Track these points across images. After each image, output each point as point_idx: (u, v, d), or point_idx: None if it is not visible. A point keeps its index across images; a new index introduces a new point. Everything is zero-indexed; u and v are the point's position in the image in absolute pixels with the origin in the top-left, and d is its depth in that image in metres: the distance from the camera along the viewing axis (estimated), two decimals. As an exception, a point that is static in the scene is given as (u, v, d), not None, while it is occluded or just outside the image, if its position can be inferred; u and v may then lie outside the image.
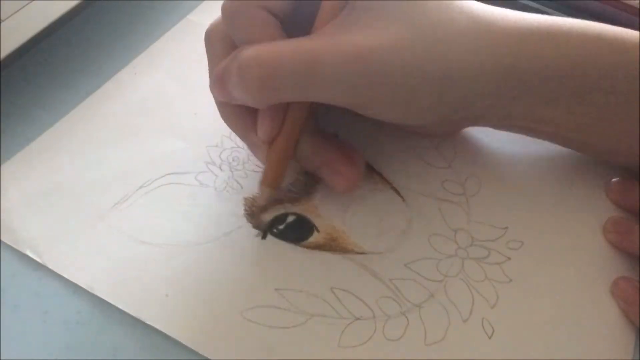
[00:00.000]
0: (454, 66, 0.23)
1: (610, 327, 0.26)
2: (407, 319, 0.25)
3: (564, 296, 0.27)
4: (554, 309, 0.26)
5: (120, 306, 0.25)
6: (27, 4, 0.31)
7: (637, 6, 0.33)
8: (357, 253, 0.27)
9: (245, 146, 0.30)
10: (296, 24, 0.25)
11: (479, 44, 0.23)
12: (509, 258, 0.28)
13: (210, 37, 0.26)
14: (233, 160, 0.30)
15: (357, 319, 0.25)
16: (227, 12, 0.24)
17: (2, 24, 0.30)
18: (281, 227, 0.28)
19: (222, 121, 0.31)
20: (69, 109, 0.31)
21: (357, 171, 0.27)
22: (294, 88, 0.23)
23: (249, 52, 0.23)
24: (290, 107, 0.25)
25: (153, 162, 0.29)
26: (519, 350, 0.25)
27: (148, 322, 0.24)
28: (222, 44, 0.25)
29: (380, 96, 0.23)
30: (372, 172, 0.30)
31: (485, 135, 0.31)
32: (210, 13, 0.36)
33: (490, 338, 0.25)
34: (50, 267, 0.26)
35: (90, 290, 0.25)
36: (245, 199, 0.29)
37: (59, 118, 0.31)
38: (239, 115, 0.26)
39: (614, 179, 0.29)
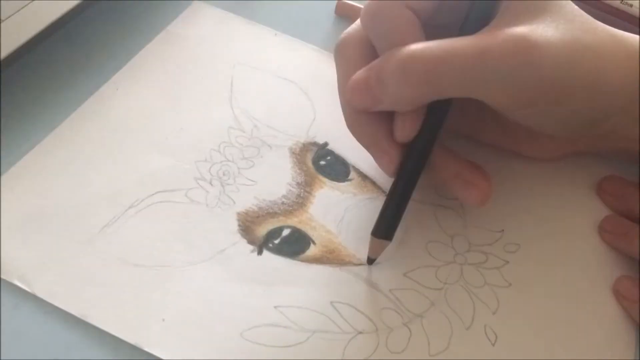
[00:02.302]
0: (601, 74, 0.24)
1: (610, 327, 0.26)
2: (410, 330, 0.25)
3: (563, 298, 0.27)
4: (554, 311, 0.26)
5: (116, 334, 0.24)
6: (27, 4, 0.30)
7: (637, 15, 0.33)
8: (355, 264, 0.27)
9: (235, 160, 0.30)
10: (435, 27, 0.26)
11: (620, 56, 0.24)
12: (507, 262, 0.28)
13: (345, 45, 0.26)
14: (224, 174, 0.29)
15: (360, 332, 0.25)
16: (372, 11, 0.25)
17: (2, 24, 0.29)
18: (277, 241, 0.27)
19: (210, 135, 0.30)
20: (69, 109, 0.31)
21: (489, 184, 0.27)
22: (460, 82, 0.23)
23: (414, 47, 0.23)
24: (431, 108, 0.25)
25: (141, 180, 0.28)
26: (522, 354, 0.25)
27: (146, 349, 0.24)
28: (358, 51, 0.26)
29: (539, 95, 0.23)
30: (365, 180, 0.30)
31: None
32: (191, 24, 0.35)
33: (493, 345, 0.25)
34: (40, 296, 0.25)
35: (83, 319, 0.24)
36: (239, 213, 0.28)
37: (59, 119, 0.30)
38: (373, 121, 0.26)
39: (603, 177, 0.30)
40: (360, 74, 0.25)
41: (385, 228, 0.26)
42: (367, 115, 0.26)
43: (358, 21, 0.26)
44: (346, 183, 0.30)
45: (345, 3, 0.37)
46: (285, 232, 0.28)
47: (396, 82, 0.24)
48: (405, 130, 0.25)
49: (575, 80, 0.23)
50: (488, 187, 0.26)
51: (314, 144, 0.31)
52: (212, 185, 0.29)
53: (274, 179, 0.29)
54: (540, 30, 0.23)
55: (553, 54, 0.23)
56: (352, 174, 0.30)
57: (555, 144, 0.29)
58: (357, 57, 0.26)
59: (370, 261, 0.27)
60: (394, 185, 0.26)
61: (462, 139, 0.30)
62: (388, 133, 0.26)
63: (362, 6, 0.35)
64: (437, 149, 0.27)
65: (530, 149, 0.30)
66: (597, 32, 0.24)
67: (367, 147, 0.27)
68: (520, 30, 0.23)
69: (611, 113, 0.25)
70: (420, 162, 0.26)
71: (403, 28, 0.24)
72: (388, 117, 0.26)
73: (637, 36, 0.25)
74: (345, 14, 0.37)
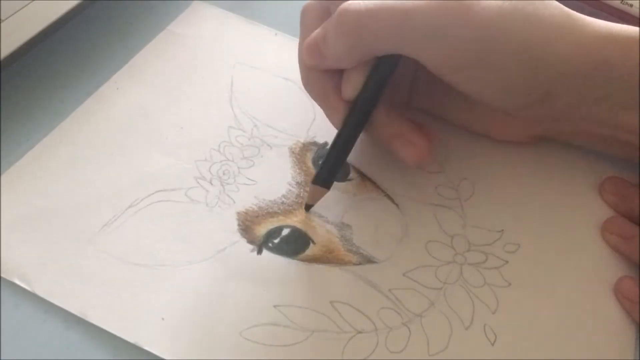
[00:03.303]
0: (548, 47, 0.24)
1: (610, 327, 0.26)
2: (409, 330, 0.25)
3: (563, 298, 0.27)
4: (554, 311, 0.26)
5: (115, 333, 0.24)
6: (27, 4, 0.30)
7: (637, 15, 0.33)
8: (354, 264, 0.27)
9: (235, 159, 0.30)
10: None
11: (572, 35, 0.24)
12: (507, 261, 0.27)
13: (306, 11, 0.28)
14: (223, 173, 0.29)
15: (359, 332, 0.25)
16: None
17: (2, 24, 0.29)
18: (276, 240, 0.27)
19: (210, 134, 0.30)
20: (69, 109, 0.31)
21: (428, 144, 0.27)
22: (387, 36, 0.24)
23: (350, 2, 0.25)
24: (375, 68, 0.26)
25: (141, 180, 0.28)
26: (522, 354, 0.25)
27: (145, 348, 0.24)
28: (317, 17, 0.28)
29: (470, 57, 0.24)
30: (365, 180, 0.30)
31: (475, 139, 0.31)
32: (191, 23, 0.35)
33: (493, 344, 0.25)
34: (40, 294, 0.25)
35: (83, 318, 0.24)
36: (239, 213, 0.28)
37: (59, 118, 0.30)
38: (323, 79, 0.28)
39: (606, 178, 0.30)
40: (312, 34, 0.27)
41: (324, 177, 0.27)
42: (319, 73, 0.28)
43: None
44: (346, 183, 0.30)
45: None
46: (285, 231, 0.28)
47: (333, 35, 0.25)
48: (349, 87, 0.27)
49: (506, 45, 0.24)
50: (426, 147, 0.27)
51: (314, 143, 0.31)
52: (212, 184, 0.29)
53: (274, 179, 0.29)
54: None
55: (483, 15, 0.23)
56: (352, 174, 0.30)
57: (522, 126, 0.30)
58: (315, 22, 0.27)
59: (308, 207, 0.28)
60: (336, 138, 0.27)
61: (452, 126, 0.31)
62: (337, 90, 0.27)
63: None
64: (382, 110, 0.27)
65: (498, 131, 0.31)
66: (547, 7, 0.24)
67: (318, 102, 0.28)
68: None
69: (554, 89, 0.26)
70: (362, 117, 0.27)
71: None
72: (338, 77, 0.27)
73: (607, 22, 0.25)
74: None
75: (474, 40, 0.24)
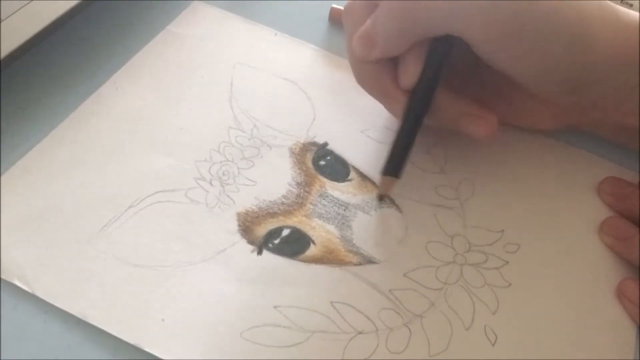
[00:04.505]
0: (588, 27, 0.25)
1: (610, 327, 0.26)
2: (410, 330, 0.25)
3: (563, 298, 0.27)
4: (554, 311, 0.26)
5: (115, 334, 0.24)
6: (27, 4, 0.30)
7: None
8: (355, 264, 0.27)
9: (235, 159, 0.30)
10: None
11: (610, 19, 0.25)
12: (507, 262, 0.28)
13: (350, 9, 0.29)
14: (223, 174, 0.29)
15: (360, 333, 0.25)
16: None
17: (2, 24, 0.29)
18: (276, 241, 0.27)
19: (210, 135, 0.30)
20: (69, 109, 0.31)
21: (495, 117, 0.28)
22: (436, 16, 0.25)
23: None
24: (431, 52, 0.27)
25: (140, 180, 0.28)
26: (522, 354, 0.25)
27: (146, 349, 0.24)
28: (362, 12, 0.28)
29: (513, 32, 0.24)
30: (365, 180, 0.30)
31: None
32: (191, 23, 0.35)
33: (493, 345, 0.25)
34: (40, 296, 0.25)
35: (83, 319, 0.24)
36: (239, 213, 0.28)
37: (59, 118, 0.30)
38: (377, 70, 0.28)
39: (604, 179, 0.30)
40: (361, 27, 0.27)
41: (394, 166, 0.28)
42: (372, 66, 0.28)
43: None
44: (346, 183, 0.30)
45: (339, 9, 0.36)
46: (285, 232, 0.28)
47: (384, 21, 0.26)
48: (408, 74, 0.27)
49: (547, 21, 0.24)
50: (495, 120, 0.28)
51: (314, 144, 0.31)
52: (212, 185, 0.29)
53: (274, 179, 0.29)
54: None
55: None
56: (352, 174, 0.30)
57: (552, 114, 0.30)
58: (362, 18, 0.28)
59: (381, 197, 0.29)
60: (401, 127, 0.28)
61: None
62: (393, 80, 0.28)
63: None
64: (442, 93, 0.28)
65: (528, 119, 0.31)
66: None
67: (376, 95, 0.29)
68: None
69: (592, 78, 0.26)
70: (424, 103, 0.27)
71: None
72: (393, 68, 0.28)
73: (635, 12, 0.26)
74: (338, 20, 0.36)
75: (516, 14, 0.24)
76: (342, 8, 0.36)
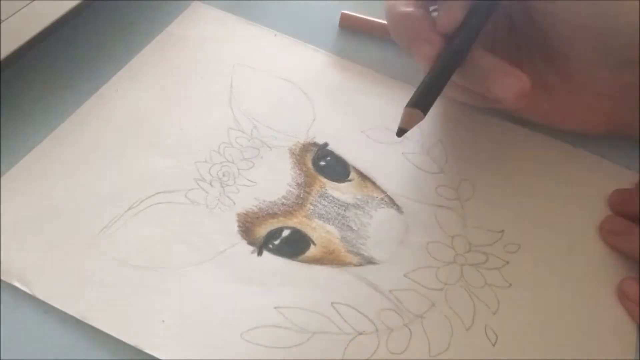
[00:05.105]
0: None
1: (610, 327, 0.26)
2: (410, 331, 0.25)
3: (563, 298, 0.27)
4: (555, 311, 0.26)
5: (115, 335, 0.24)
6: (27, 4, 0.30)
7: None
8: (355, 265, 0.27)
9: (235, 160, 0.30)
10: None
11: None
12: (507, 262, 0.27)
13: None
14: (223, 175, 0.29)
15: (360, 333, 0.25)
16: None
17: (2, 24, 0.29)
18: (277, 242, 0.27)
19: (210, 136, 0.30)
20: (69, 110, 0.31)
21: (529, 82, 0.26)
22: None
23: None
24: (472, 12, 0.27)
25: (140, 181, 0.28)
26: (523, 354, 0.25)
27: (146, 351, 0.24)
28: None
29: None
30: (365, 180, 0.30)
31: (476, 139, 0.31)
32: (190, 24, 0.35)
33: (494, 345, 0.25)
34: (40, 297, 0.25)
35: (83, 321, 0.24)
36: (239, 214, 0.28)
37: (59, 119, 0.30)
38: (415, 15, 0.28)
39: (614, 190, 0.29)
40: None
41: (422, 100, 0.26)
42: (409, 13, 0.28)
43: None
44: (346, 183, 0.29)
45: (350, 15, 0.36)
46: (285, 232, 0.28)
47: None
48: (450, 19, 0.27)
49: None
50: (528, 83, 0.26)
51: (314, 144, 0.31)
52: (212, 186, 0.29)
53: (274, 180, 0.29)
54: None
55: None
56: (352, 175, 0.30)
57: (603, 113, 0.30)
58: None
59: (401, 132, 0.26)
60: (434, 67, 0.27)
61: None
62: (431, 25, 0.27)
63: (365, 17, 0.35)
64: (476, 50, 0.27)
65: (575, 117, 0.30)
66: None
67: (411, 38, 0.28)
68: None
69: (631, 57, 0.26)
70: (461, 50, 0.27)
71: None
72: (429, 16, 0.28)
73: None
74: (349, 26, 0.36)
75: None
76: (352, 14, 0.36)
